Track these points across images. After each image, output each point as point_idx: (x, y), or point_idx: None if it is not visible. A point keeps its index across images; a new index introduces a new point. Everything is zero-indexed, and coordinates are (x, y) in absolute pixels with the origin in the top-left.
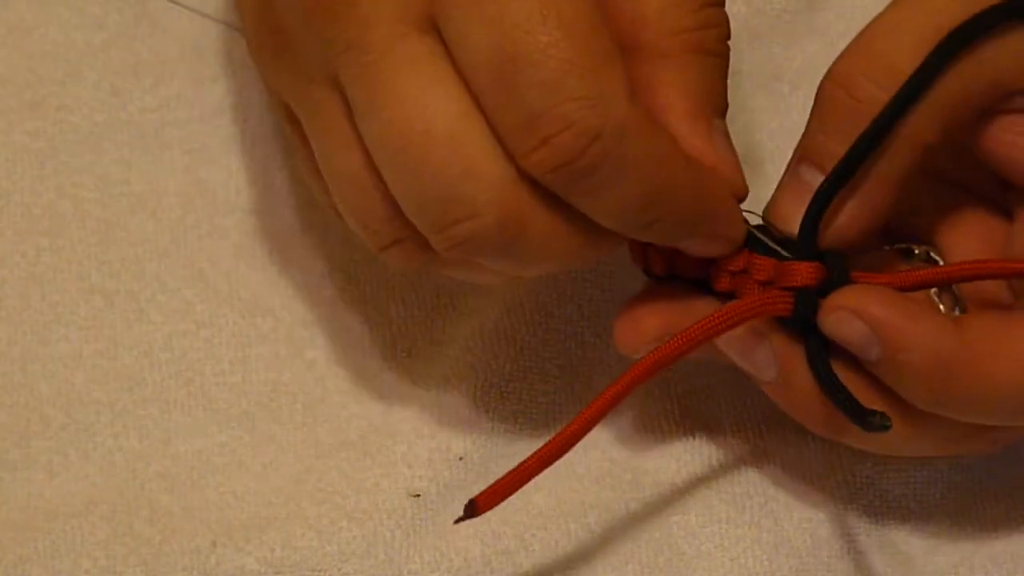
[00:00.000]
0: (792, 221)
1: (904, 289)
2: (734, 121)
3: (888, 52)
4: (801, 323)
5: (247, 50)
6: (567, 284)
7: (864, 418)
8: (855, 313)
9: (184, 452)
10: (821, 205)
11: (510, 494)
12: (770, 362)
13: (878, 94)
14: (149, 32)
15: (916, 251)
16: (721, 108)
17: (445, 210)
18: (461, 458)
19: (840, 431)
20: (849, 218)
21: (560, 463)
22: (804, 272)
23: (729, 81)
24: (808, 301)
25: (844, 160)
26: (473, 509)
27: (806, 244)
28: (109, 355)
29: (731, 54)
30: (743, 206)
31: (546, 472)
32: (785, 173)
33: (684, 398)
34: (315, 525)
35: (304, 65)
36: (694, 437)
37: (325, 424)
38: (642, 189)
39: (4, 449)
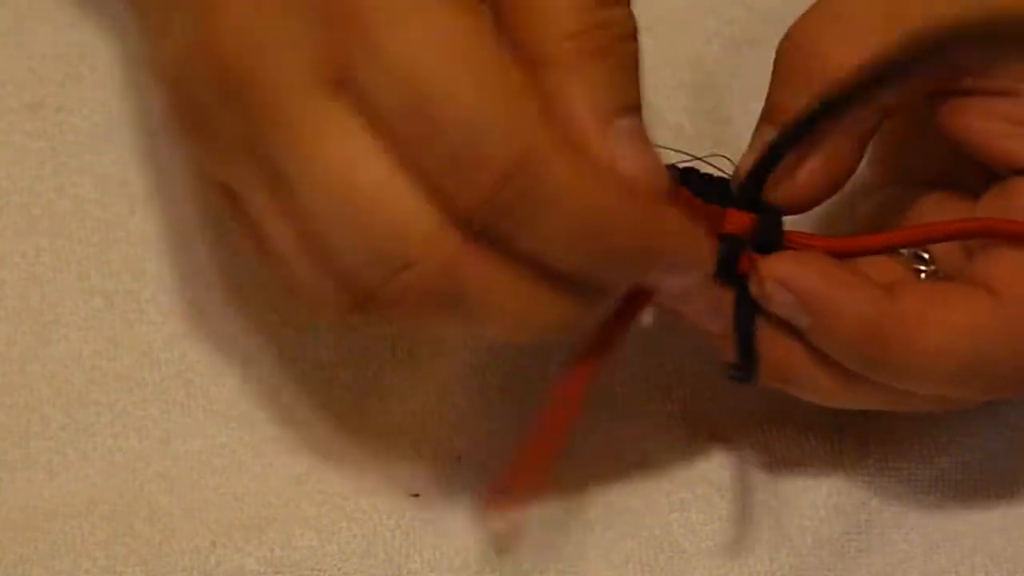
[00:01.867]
0: None
1: (842, 255)
2: (734, 124)
3: (850, 12)
4: (723, 270)
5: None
6: None
7: (735, 370)
8: (783, 283)
9: (184, 452)
10: (768, 159)
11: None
12: (714, 312)
13: (838, 53)
14: None
15: (904, 252)
16: (624, 107)
17: (383, 263)
18: (460, 458)
19: (784, 380)
20: (805, 177)
21: (559, 462)
22: (734, 220)
23: (731, 81)
24: (732, 248)
25: (797, 118)
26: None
27: (746, 195)
28: (109, 355)
29: (731, 58)
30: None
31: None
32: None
33: (685, 397)
34: (315, 525)
35: (225, 141)
36: (695, 435)
37: (325, 424)
38: (572, 218)
39: (4, 449)
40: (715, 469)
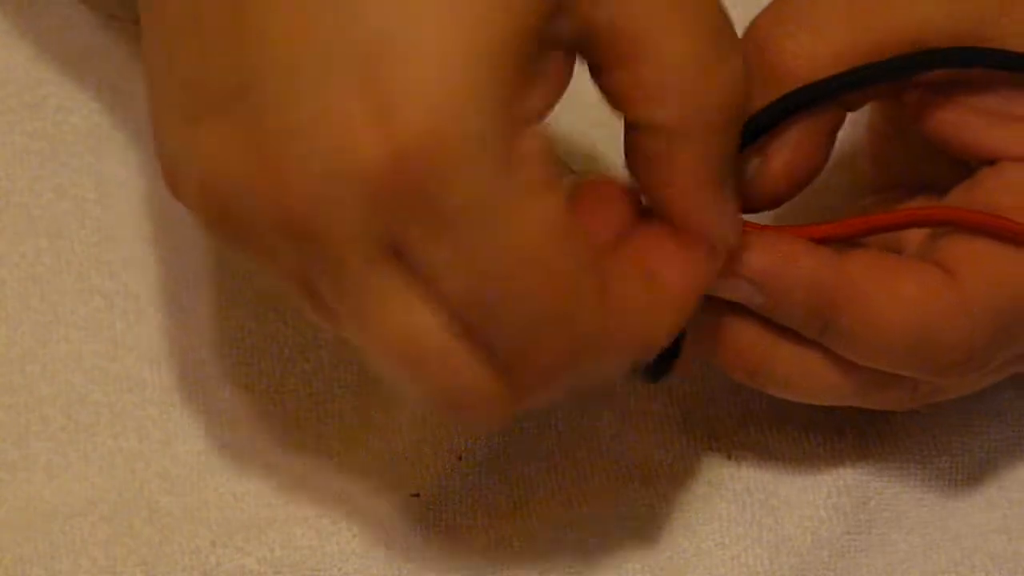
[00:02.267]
0: None
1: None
2: None
3: (811, 12)
4: None
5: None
6: None
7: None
8: (733, 273)
9: (184, 452)
10: None
11: None
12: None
13: (799, 54)
14: None
15: None
16: (729, 173)
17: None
18: (461, 457)
19: (750, 372)
20: (768, 175)
21: (559, 463)
22: None
23: None
24: None
25: (754, 117)
26: None
27: None
28: (109, 355)
29: None
30: None
31: (546, 471)
32: None
33: (685, 398)
34: (315, 525)
35: (278, 261)
36: (695, 435)
37: (326, 424)
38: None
39: (4, 449)
40: (715, 469)
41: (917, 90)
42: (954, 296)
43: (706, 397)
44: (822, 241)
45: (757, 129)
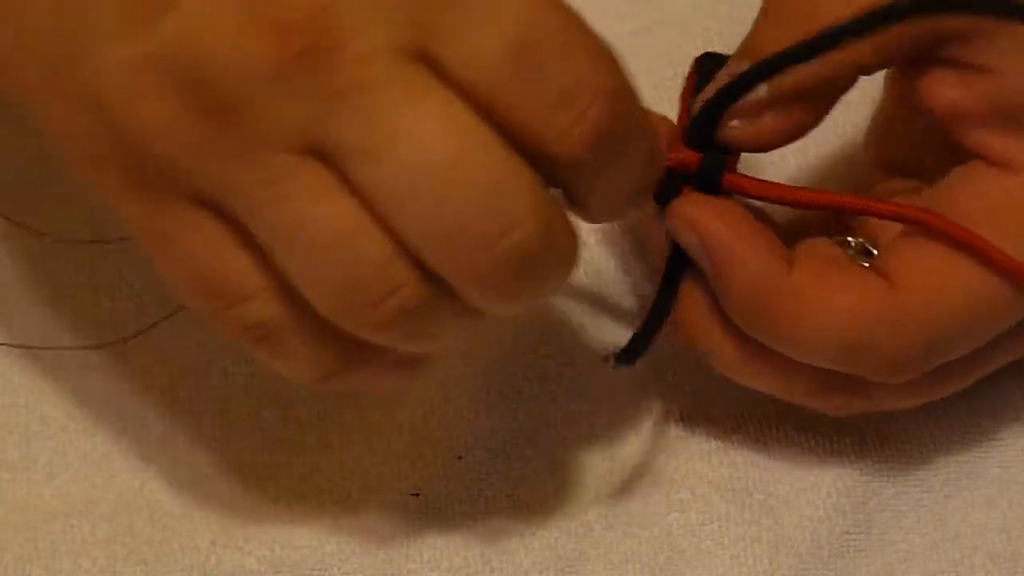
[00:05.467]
0: None
1: (773, 201)
2: None
3: None
4: (661, 204)
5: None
6: (567, 284)
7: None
8: (689, 223)
9: (184, 452)
10: (729, 92)
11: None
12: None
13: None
14: None
15: (852, 242)
16: None
17: (484, 229)
18: (461, 457)
19: (692, 341)
20: (766, 118)
21: (559, 462)
22: (678, 155)
23: None
24: (669, 186)
25: (772, 56)
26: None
27: (698, 127)
28: (110, 355)
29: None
30: None
31: (545, 470)
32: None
33: (684, 397)
34: (315, 524)
35: (262, 136)
36: (694, 434)
37: (325, 424)
38: (644, 151)
39: (4, 449)
40: (714, 469)
41: (929, 62)
42: (890, 307)
43: (706, 397)
44: (798, 205)
45: (769, 69)
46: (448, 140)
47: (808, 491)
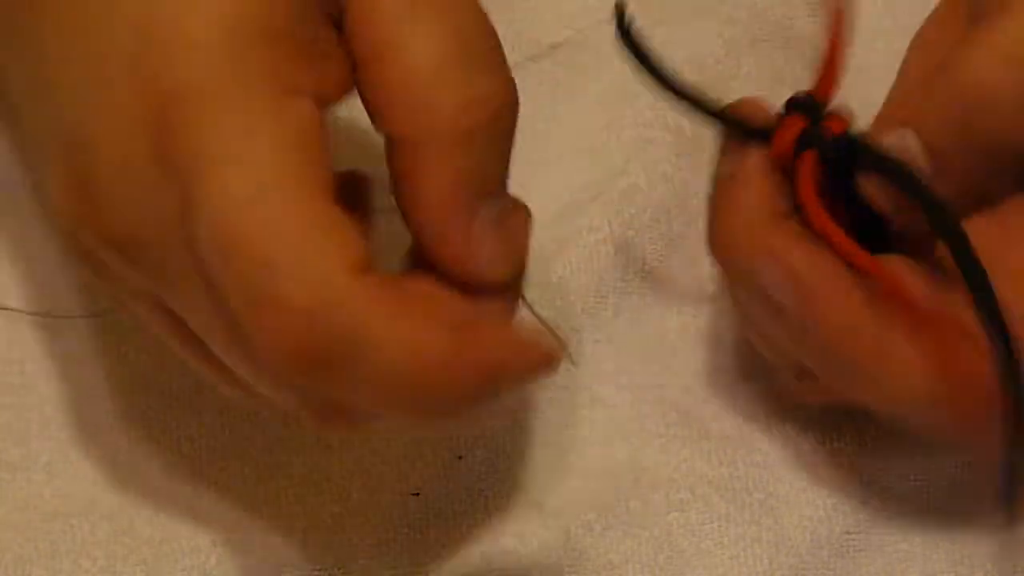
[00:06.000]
0: None
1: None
2: None
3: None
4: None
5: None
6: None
7: None
8: (777, 259)
9: (184, 452)
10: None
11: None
12: None
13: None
14: None
15: None
16: (486, 193)
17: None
18: (461, 457)
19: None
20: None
21: (559, 462)
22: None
23: (732, 83)
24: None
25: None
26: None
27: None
28: (110, 355)
29: (732, 60)
30: None
31: (545, 470)
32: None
33: (684, 397)
34: (315, 524)
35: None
36: (694, 434)
37: None
38: (385, 372)
39: (4, 449)
40: (714, 469)
41: None
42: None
43: (705, 395)
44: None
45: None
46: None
47: (808, 491)
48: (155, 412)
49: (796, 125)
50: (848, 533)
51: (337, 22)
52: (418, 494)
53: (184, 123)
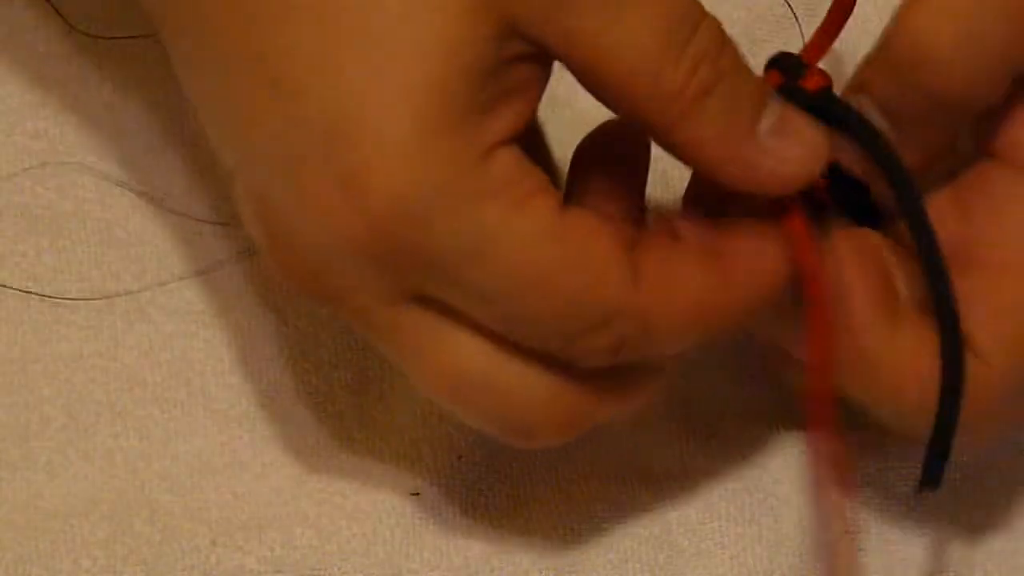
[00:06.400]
0: None
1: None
2: None
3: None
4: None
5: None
6: None
7: None
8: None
9: (184, 452)
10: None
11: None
12: None
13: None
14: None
15: None
16: (752, 114)
17: (514, 435)
18: (461, 457)
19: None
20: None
21: (559, 462)
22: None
23: None
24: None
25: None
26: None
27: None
28: (109, 355)
29: None
30: None
31: (546, 470)
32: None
33: (684, 396)
34: (315, 524)
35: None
36: (695, 434)
37: (326, 424)
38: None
39: (4, 449)
40: (715, 468)
41: None
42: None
43: (706, 396)
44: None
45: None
46: (453, 380)
47: (808, 490)
48: (155, 412)
49: (773, 80)
50: (848, 533)
51: (532, 56)
52: (418, 494)
53: (410, 231)
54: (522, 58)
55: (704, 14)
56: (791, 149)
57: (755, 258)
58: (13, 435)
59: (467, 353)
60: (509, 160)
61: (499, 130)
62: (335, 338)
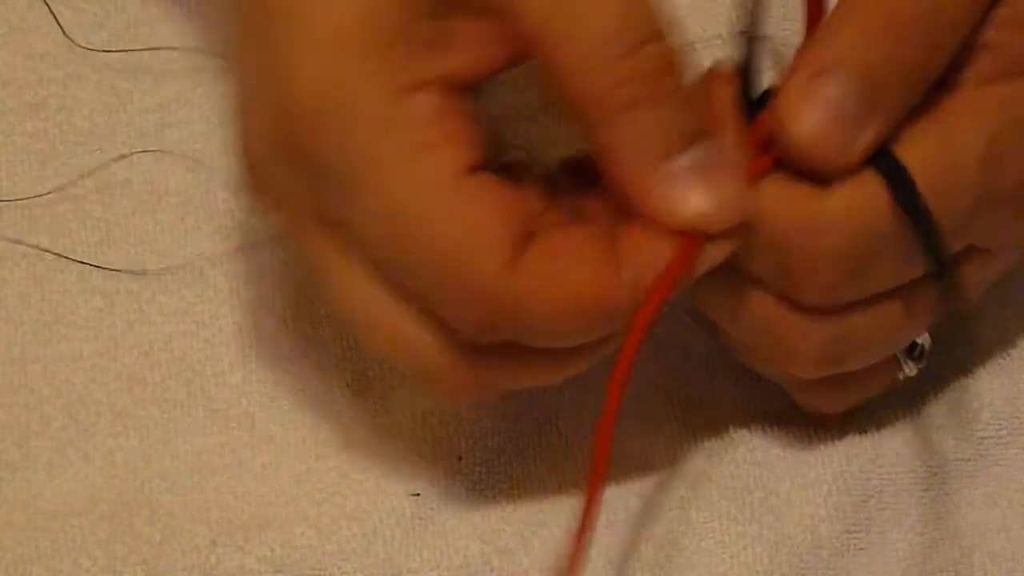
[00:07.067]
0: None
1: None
2: None
3: None
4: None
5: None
6: None
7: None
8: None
9: (184, 452)
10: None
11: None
12: None
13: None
14: (149, 32)
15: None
16: (681, 143)
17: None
18: (461, 458)
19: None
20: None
21: (559, 462)
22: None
23: None
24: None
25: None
26: None
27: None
28: (109, 355)
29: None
30: None
31: (545, 471)
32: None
33: (686, 395)
34: (315, 524)
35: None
36: (695, 433)
37: (326, 424)
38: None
39: (4, 449)
40: (715, 467)
41: None
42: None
43: (706, 396)
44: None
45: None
46: (362, 316)
47: (809, 489)
48: (155, 412)
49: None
50: (848, 532)
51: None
52: (418, 494)
53: (310, 135)
54: (467, 11)
55: (660, 35)
56: (695, 196)
57: (647, 252)
58: (13, 435)
59: (359, 290)
60: (428, 104)
61: (426, 72)
62: (335, 338)
